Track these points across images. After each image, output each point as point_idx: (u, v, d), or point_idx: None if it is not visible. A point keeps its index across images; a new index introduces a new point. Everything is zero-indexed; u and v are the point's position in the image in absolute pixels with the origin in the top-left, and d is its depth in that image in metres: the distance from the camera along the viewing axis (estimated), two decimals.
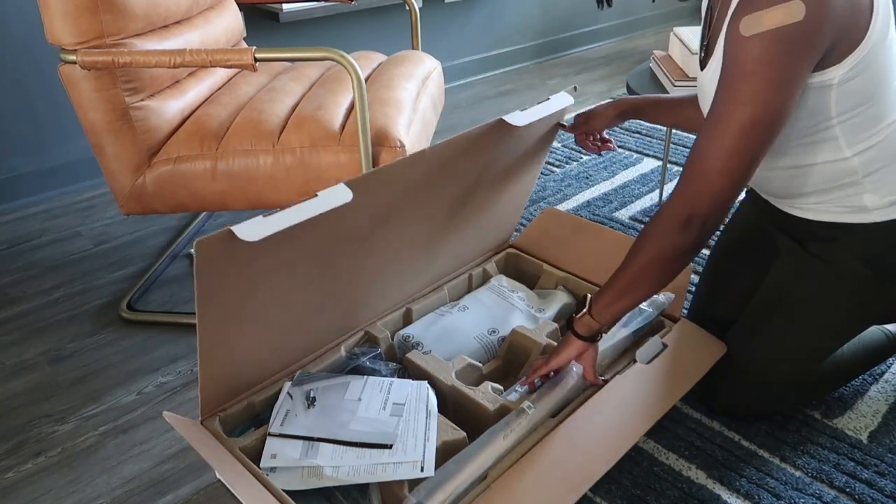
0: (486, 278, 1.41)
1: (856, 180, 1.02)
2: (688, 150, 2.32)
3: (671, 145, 2.36)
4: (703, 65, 1.09)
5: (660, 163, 2.25)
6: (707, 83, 1.06)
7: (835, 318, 1.11)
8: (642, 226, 1.86)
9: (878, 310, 1.12)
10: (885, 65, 0.94)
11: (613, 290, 1.01)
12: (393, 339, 1.23)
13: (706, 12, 1.09)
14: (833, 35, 0.87)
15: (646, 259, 0.97)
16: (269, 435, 1.00)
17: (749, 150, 0.89)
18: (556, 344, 1.17)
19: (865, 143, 0.99)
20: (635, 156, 2.30)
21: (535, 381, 1.09)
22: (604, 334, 1.09)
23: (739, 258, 1.28)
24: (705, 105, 1.10)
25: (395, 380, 1.09)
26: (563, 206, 1.99)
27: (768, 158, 1.07)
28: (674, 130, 2.48)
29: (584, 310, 1.04)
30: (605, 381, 1.10)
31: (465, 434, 1.02)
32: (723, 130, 0.89)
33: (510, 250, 1.49)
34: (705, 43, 1.07)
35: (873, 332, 1.27)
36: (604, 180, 2.14)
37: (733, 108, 0.88)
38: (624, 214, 1.93)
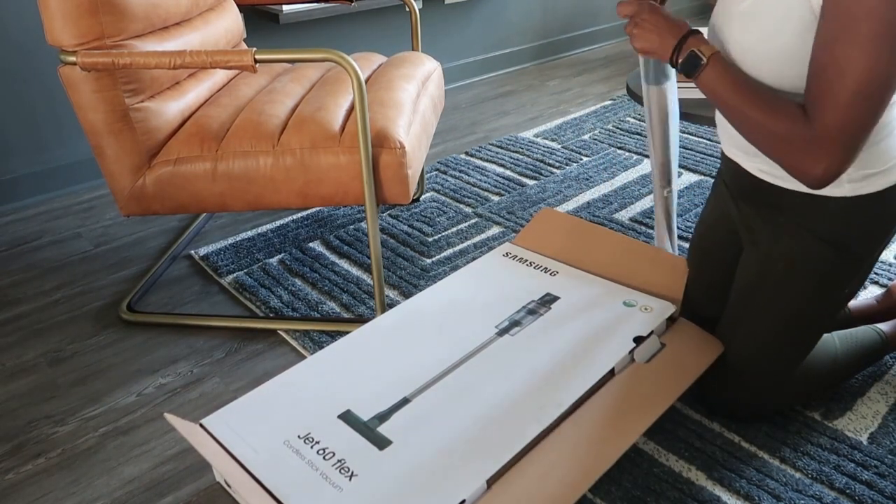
0: None
1: None
2: (688, 151, 2.33)
3: None
4: None
5: None
6: (744, 13, 1.00)
7: (805, 304, 1.11)
8: (643, 227, 1.87)
9: (846, 290, 1.12)
10: None
11: (741, 90, 0.98)
12: None
13: None
14: None
15: (772, 136, 0.95)
16: None
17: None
18: None
19: None
20: (635, 157, 2.30)
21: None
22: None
23: (716, 255, 1.28)
24: (725, 38, 1.05)
25: None
26: (563, 208, 1.99)
27: None
28: None
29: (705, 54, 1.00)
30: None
31: None
32: (864, 46, 0.85)
33: (508, 249, 1.49)
34: None
35: (867, 331, 1.28)
36: (604, 181, 2.14)
37: (870, 20, 0.83)
38: (624, 216, 1.93)
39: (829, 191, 1.04)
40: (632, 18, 1.09)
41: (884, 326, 1.30)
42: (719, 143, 2.37)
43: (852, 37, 0.85)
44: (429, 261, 1.75)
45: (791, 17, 0.93)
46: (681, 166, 2.22)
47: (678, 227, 1.86)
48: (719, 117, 1.18)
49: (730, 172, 1.22)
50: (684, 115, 1.64)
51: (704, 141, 2.40)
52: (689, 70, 1.02)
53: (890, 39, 0.84)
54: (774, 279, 1.12)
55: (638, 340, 1.20)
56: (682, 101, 1.73)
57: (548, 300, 1.33)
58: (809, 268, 1.08)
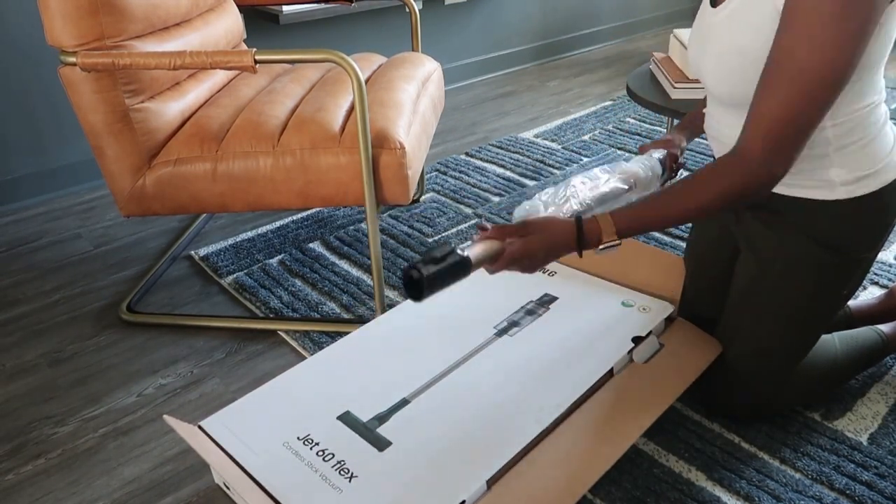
0: None
1: (825, 152, 1.01)
2: (689, 152, 2.32)
3: None
4: (715, 2, 1.04)
5: None
6: (719, 24, 1.01)
7: (804, 307, 1.11)
8: None
9: (844, 291, 1.12)
10: (888, 38, 0.93)
11: (654, 218, 0.97)
12: None
13: None
14: None
15: (718, 198, 0.94)
16: None
17: (828, 97, 0.88)
18: None
19: (843, 117, 0.99)
20: (635, 157, 2.30)
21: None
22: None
23: (709, 258, 1.29)
24: (704, 49, 1.05)
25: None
26: None
27: (739, 118, 1.05)
28: None
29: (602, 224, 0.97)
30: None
31: None
32: (797, 81, 0.87)
33: None
34: None
35: (867, 332, 1.28)
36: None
37: (810, 54, 0.85)
38: None
39: (823, 194, 1.04)
40: (504, 256, 0.95)
41: (884, 328, 1.30)
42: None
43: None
44: None
45: (764, 22, 0.93)
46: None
47: (679, 228, 1.86)
48: (708, 127, 1.18)
49: None
50: (682, 116, 1.64)
51: (704, 142, 2.40)
52: (611, 248, 0.99)
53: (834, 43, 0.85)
54: (772, 281, 1.12)
55: (636, 341, 1.20)
56: (680, 102, 1.72)
57: (546, 300, 1.33)
58: (807, 269, 1.08)
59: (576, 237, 0.97)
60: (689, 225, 1.85)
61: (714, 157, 1.24)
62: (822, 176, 1.03)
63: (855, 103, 0.98)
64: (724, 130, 1.11)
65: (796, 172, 1.05)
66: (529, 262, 0.96)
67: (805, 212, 1.06)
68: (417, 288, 0.84)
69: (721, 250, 1.26)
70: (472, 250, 0.90)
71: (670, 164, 1.27)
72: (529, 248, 0.95)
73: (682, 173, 2.16)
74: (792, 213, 1.08)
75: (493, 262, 0.95)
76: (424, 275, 0.83)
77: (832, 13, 0.83)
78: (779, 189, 1.08)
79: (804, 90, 0.87)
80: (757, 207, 1.13)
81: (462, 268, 0.87)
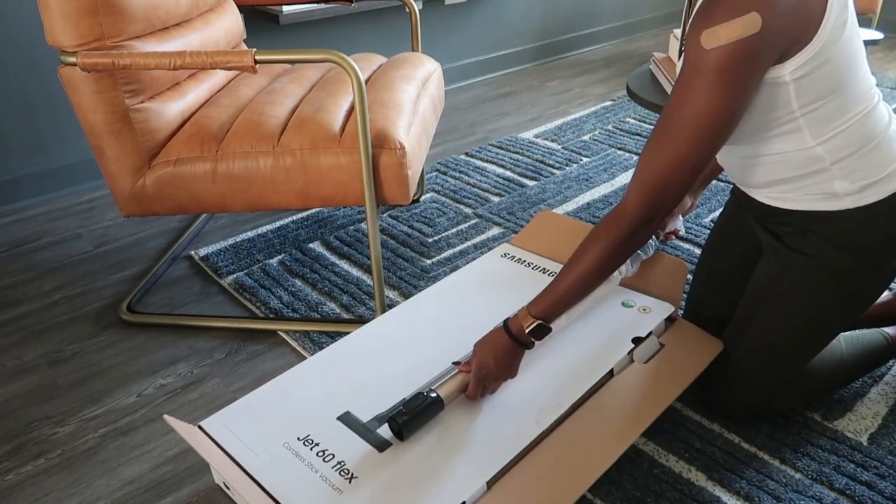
0: None
1: (824, 167, 1.02)
2: None
3: None
4: (681, 53, 1.09)
5: None
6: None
7: (819, 311, 1.11)
8: None
9: (860, 299, 1.12)
10: (844, 60, 0.95)
11: (562, 291, 1.04)
12: None
13: (687, 2, 1.10)
14: (785, 39, 0.89)
15: (602, 256, 1.01)
16: None
17: (701, 155, 0.95)
18: None
19: (830, 133, 1.00)
20: (635, 158, 2.30)
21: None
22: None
23: (728, 257, 1.28)
24: None
25: None
26: (563, 209, 1.99)
27: (727, 148, 1.10)
28: None
29: (528, 313, 1.06)
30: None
31: None
32: (677, 137, 0.94)
33: (507, 250, 1.49)
34: (686, 33, 1.08)
35: (873, 334, 1.28)
36: (603, 182, 2.14)
37: (689, 115, 0.92)
38: None
39: (832, 205, 1.04)
40: (482, 384, 1.08)
41: (889, 330, 1.30)
42: None
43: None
44: (429, 261, 1.75)
45: None
46: None
47: (687, 231, 1.85)
48: (721, 158, 1.19)
49: (742, 196, 1.22)
50: None
51: None
52: (542, 333, 1.07)
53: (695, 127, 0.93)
54: (790, 280, 1.11)
55: (637, 341, 1.20)
56: None
57: None
58: (825, 272, 1.08)
59: (508, 337, 1.06)
60: (699, 226, 1.85)
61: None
62: (826, 189, 1.04)
63: (836, 119, 0.99)
64: (726, 161, 1.14)
65: (797, 188, 1.05)
66: (489, 374, 1.07)
67: (820, 221, 1.07)
68: (399, 433, 1.02)
69: (742, 250, 1.26)
70: (443, 388, 1.07)
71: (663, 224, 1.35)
72: (481, 364, 1.07)
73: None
74: (808, 225, 1.08)
75: (466, 391, 1.09)
76: (400, 423, 1.01)
77: (715, 69, 0.89)
78: (792, 206, 1.08)
79: (683, 149, 0.94)
80: (776, 223, 1.13)
81: (435, 406, 1.05)
